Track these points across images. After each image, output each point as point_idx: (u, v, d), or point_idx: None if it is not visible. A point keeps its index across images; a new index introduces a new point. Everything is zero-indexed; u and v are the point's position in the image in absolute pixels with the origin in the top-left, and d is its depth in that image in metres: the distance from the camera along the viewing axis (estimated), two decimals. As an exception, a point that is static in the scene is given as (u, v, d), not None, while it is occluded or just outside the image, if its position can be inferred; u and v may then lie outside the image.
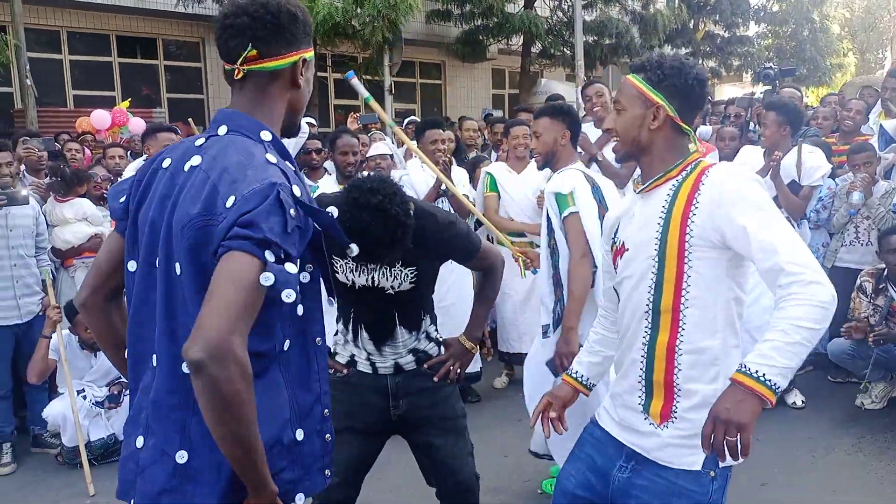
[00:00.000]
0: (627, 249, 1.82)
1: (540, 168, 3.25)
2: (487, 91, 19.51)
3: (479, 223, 4.42)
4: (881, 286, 4.32)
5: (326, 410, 1.49)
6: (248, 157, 1.33)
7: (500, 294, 4.74)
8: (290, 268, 1.26)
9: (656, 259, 1.71)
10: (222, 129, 1.40)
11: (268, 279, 1.22)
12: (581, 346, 2.16)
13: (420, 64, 18.37)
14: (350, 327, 2.24)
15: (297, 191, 1.32)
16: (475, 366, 4.56)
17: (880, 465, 3.60)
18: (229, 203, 1.25)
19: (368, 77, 15.20)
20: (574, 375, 2.04)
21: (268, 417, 1.32)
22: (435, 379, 2.28)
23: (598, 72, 15.98)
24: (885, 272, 4.30)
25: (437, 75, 18.87)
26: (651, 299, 1.74)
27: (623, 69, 17.06)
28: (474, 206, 4.32)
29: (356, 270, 2.13)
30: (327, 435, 1.50)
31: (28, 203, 3.98)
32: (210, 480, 1.28)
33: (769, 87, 5.17)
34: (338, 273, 2.14)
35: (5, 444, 3.98)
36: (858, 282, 4.41)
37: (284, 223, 1.26)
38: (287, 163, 1.41)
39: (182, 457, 1.31)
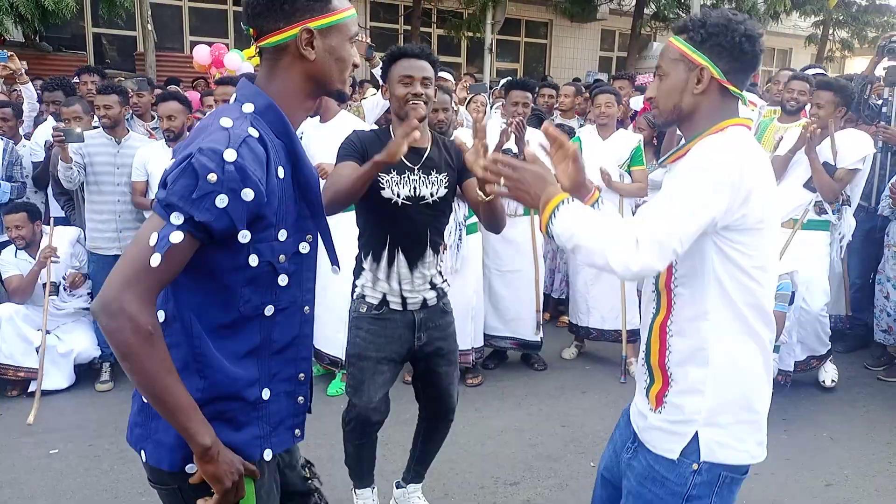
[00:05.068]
0: None
1: None
2: (595, 53, 18.92)
3: None
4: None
5: (303, 375, 1.55)
6: (212, 123, 1.37)
7: (573, 266, 4.73)
8: (176, 236, 1.27)
9: None
10: (232, 98, 1.48)
11: (153, 238, 1.27)
12: None
13: (526, 22, 18.00)
14: (386, 255, 2.48)
15: (246, 158, 1.31)
16: (536, 335, 4.57)
17: (964, 480, 3.38)
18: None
19: (471, 34, 15.08)
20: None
21: (233, 378, 1.42)
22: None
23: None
24: None
25: (543, 34, 18.44)
26: (654, 278, 1.67)
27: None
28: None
29: (401, 183, 2.43)
30: (300, 397, 1.56)
31: (83, 141, 4.17)
32: None
33: (894, 63, 4.70)
34: (383, 189, 2.41)
35: (105, 364, 4.39)
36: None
37: (192, 187, 1.27)
38: (268, 134, 1.40)
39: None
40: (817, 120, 4.00)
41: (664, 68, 1.64)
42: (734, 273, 1.55)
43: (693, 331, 1.59)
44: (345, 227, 4.03)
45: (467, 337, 4.23)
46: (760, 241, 1.55)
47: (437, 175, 2.48)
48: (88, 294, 4.45)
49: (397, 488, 2.96)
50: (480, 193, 2.23)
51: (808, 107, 4.65)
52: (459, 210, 4.06)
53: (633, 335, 4.56)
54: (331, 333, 4.11)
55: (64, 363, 4.26)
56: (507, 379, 4.50)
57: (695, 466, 1.59)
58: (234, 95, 1.49)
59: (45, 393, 4.15)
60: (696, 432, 1.59)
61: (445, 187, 2.50)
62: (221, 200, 1.29)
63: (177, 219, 1.27)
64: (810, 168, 4.01)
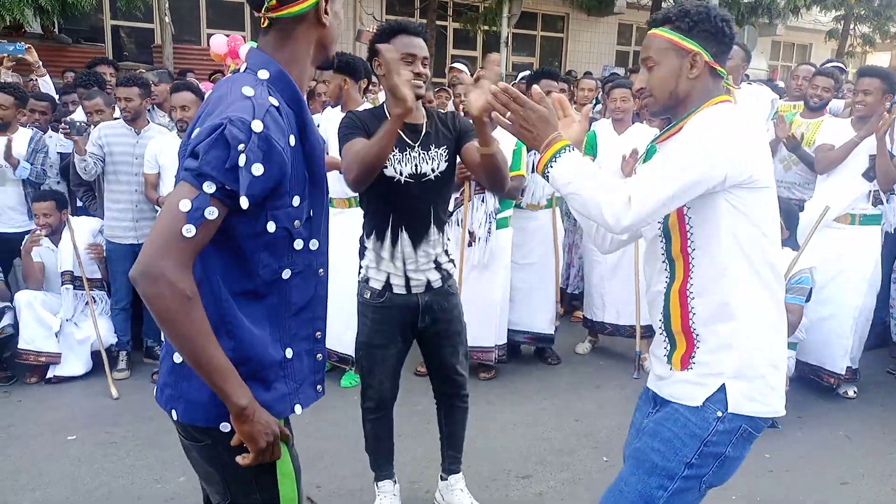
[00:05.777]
0: None
1: None
2: (611, 47, 18.78)
3: None
4: None
5: (319, 333, 1.61)
6: (231, 92, 1.39)
7: (589, 261, 4.71)
8: (211, 211, 1.30)
9: None
10: (243, 67, 1.50)
11: (185, 205, 1.29)
12: None
13: (542, 16, 17.91)
14: (390, 234, 2.52)
15: (271, 128, 1.35)
16: (550, 328, 4.55)
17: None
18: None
19: (486, 27, 15.04)
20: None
21: (259, 338, 1.47)
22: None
23: (732, 32, 14.92)
24: None
25: (560, 28, 18.34)
26: (664, 248, 1.77)
27: (760, 30, 15.85)
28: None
29: (402, 161, 2.46)
30: (318, 354, 1.61)
31: (81, 134, 4.24)
32: (201, 380, 1.39)
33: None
34: (386, 167, 2.43)
35: (122, 353, 4.43)
36: None
37: (225, 158, 1.30)
38: (282, 102, 1.43)
39: (178, 358, 1.47)
40: (865, 108, 3.93)
41: (654, 58, 1.74)
42: (747, 228, 1.65)
43: (715, 289, 1.67)
44: (348, 219, 4.04)
45: (492, 333, 4.21)
46: (766, 199, 1.68)
47: (437, 149, 2.52)
48: (104, 283, 4.50)
49: (441, 481, 2.97)
50: (478, 145, 2.26)
51: (831, 104, 4.59)
52: (489, 202, 4.04)
53: (648, 331, 4.53)
54: (339, 331, 4.00)
55: (81, 350, 4.31)
56: (521, 373, 4.50)
57: (719, 414, 1.67)
58: (244, 64, 1.50)
59: (62, 380, 4.22)
60: (724, 384, 1.66)
61: (446, 160, 2.54)
62: (252, 169, 1.32)
63: (209, 187, 1.31)
64: (877, 154, 3.91)
